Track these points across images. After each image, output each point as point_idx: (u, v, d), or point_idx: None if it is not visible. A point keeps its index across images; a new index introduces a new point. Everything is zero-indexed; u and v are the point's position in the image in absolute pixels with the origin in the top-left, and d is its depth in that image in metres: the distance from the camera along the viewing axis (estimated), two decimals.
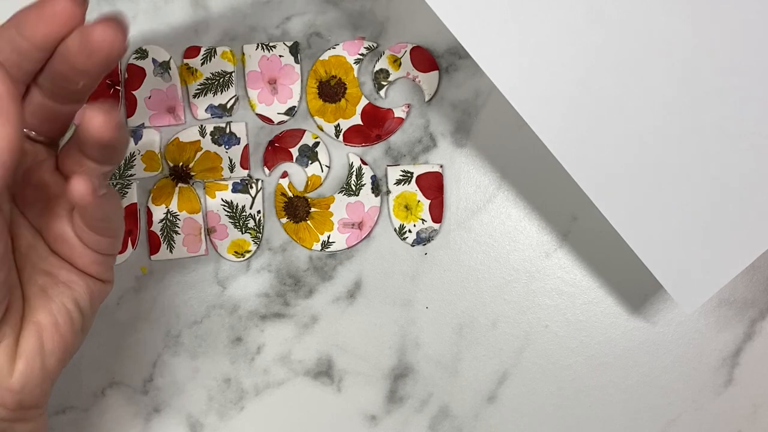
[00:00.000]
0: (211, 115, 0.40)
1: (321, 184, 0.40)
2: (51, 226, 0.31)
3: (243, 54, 0.40)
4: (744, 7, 0.30)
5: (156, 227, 0.40)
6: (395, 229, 0.40)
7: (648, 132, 0.31)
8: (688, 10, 0.30)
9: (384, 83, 0.40)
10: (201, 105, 0.40)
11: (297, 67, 0.40)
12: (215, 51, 0.40)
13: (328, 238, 0.40)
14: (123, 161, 0.40)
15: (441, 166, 0.40)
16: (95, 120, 0.28)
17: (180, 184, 0.40)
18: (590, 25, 0.30)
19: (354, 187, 0.40)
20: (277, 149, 0.40)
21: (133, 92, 0.40)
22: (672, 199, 0.32)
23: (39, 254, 0.31)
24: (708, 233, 0.32)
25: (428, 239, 0.40)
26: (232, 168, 0.40)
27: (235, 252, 0.40)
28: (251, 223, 0.40)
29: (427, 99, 0.40)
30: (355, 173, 0.40)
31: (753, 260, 0.32)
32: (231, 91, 0.40)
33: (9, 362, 0.29)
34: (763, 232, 0.32)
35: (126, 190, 0.40)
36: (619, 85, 0.31)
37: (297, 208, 0.40)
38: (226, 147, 0.40)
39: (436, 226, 0.40)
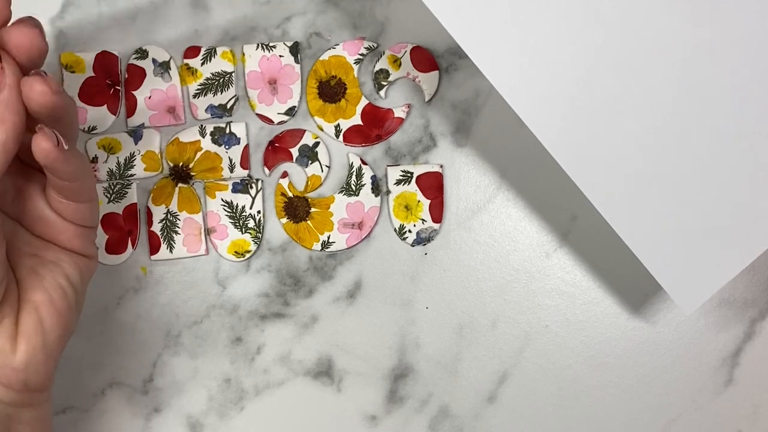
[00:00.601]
0: (211, 115, 0.40)
1: (321, 184, 0.40)
2: (27, 210, 0.32)
3: (243, 54, 0.40)
4: (744, 7, 0.30)
5: (156, 227, 0.40)
6: (395, 229, 0.40)
7: (647, 132, 0.31)
8: (688, 10, 0.30)
9: (384, 83, 0.40)
10: (201, 105, 0.40)
11: (297, 67, 0.40)
12: (215, 51, 0.40)
13: (328, 238, 0.40)
14: (123, 161, 0.40)
15: (441, 166, 0.40)
16: (35, 87, 0.29)
17: (180, 184, 0.40)
18: (589, 26, 0.30)
19: (354, 187, 0.40)
20: (277, 149, 0.40)
21: (133, 92, 0.40)
22: (671, 200, 0.32)
23: (22, 239, 0.32)
24: (707, 234, 0.32)
25: (428, 239, 0.40)
26: (232, 168, 0.40)
27: (235, 252, 0.40)
28: (251, 223, 0.40)
29: (427, 99, 0.40)
30: (355, 173, 0.40)
31: (752, 261, 0.32)
32: (231, 91, 0.40)
33: (11, 342, 0.30)
34: (762, 232, 0.32)
35: (126, 190, 0.40)
36: (619, 85, 0.31)
37: (297, 208, 0.40)
38: (226, 147, 0.40)
39: (436, 226, 0.40)
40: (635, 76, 0.31)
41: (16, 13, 0.40)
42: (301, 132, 0.40)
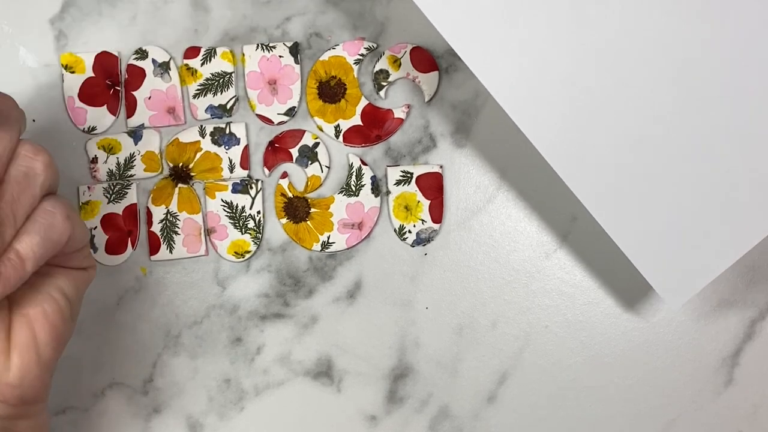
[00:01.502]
0: (211, 115, 0.40)
1: (321, 185, 0.40)
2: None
3: (243, 54, 0.40)
4: (744, 7, 0.30)
5: (156, 228, 0.40)
6: (395, 230, 0.40)
7: (638, 130, 0.31)
8: (688, 10, 0.30)
9: (384, 83, 0.40)
10: (201, 105, 0.40)
11: (297, 67, 0.40)
12: (215, 51, 0.40)
13: (328, 238, 0.40)
14: (123, 162, 0.40)
15: (441, 167, 0.40)
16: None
17: (180, 185, 0.40)
18: (586, 29, 0.30)
19: (354, 188, 0.40)
20: (277, 150, 0.40)
21: (133, 92, 0.40)
22: (660, 197, 0.32)
23: None
24: (695, 230, 0.32)
25: (428, 240, 0.40)
26: (232, 168, 0.40)
27: (235, 252, 0.40)
28: (251, 224, 0.40)
29: (427, 99, 0.40)
30: (354, 174, 0.40)
31: (739, 257, 0.32)
32: (231, 92, 0.40)
33: (4, 357, 0.30)
34: (749, 229, 0.32)
35: (126, 190, 0.40)
36: (615, 86, 0.31)
37: (297, 209, 0.40)
38: (226, 147, 0.40)
39: (436, 226, 0.40)
40: (630, 78, 0.31)
41: (16, 13, 0.40)
42: (300, 132, 0.40)
